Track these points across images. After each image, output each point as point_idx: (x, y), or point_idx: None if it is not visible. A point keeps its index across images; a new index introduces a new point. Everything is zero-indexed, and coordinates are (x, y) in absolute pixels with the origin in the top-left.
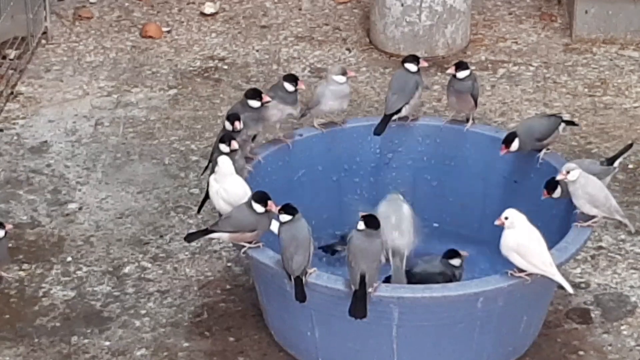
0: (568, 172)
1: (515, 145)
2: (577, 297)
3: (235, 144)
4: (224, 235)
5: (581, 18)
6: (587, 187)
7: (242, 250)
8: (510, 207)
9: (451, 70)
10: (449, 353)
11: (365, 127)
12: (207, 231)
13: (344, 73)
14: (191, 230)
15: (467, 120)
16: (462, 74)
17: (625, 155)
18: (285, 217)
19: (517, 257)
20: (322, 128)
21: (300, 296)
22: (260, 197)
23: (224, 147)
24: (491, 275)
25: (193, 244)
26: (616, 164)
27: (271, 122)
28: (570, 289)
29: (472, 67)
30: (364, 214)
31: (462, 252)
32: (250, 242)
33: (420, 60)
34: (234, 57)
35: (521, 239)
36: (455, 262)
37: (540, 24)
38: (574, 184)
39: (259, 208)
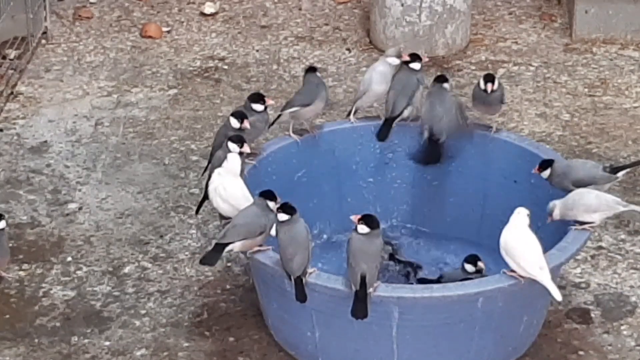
0: (551, 214)
1: (546, 173)
2: (577, 297)
3: (247, 148)
4: (236, 245)
5: (581, 18)
6: (574, 204)
7: (248, 252)
8: (510, 207)
9: (488, 87)
10: (449, 353)
11: (365, 127)
12: (218, 247)
13: (399, 55)
14: (191, 231)
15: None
16: (494, 87)
17: (632, 169)
18: (282, 217)
19: (507, 257)
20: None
21: (301, 296)
22: (272, 194)
23: (234, 147)
24: (491, 275)
25: (193, 244)
26: (620, 174)
27: (309, 120)
28: (558, 297)
29: (473, 68)
30: (358, 216)
31: (480, 263)
32: (259, 246)
33: (422, 56)
34: (234, 57)
35: (510, 239)
36: (469, 267)
37: (540, 24)
38: (562, 214)
39: (273, 205)
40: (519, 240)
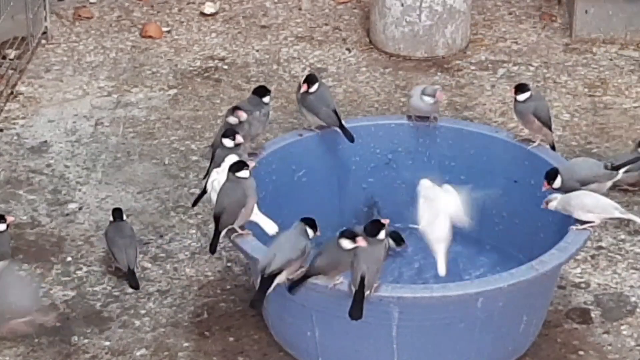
0: (548, 203)
1: (557, 182)
2: (577, 297)
3: (239, 138)
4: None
5: (581, 18)
6: (570, 200)
7: (232, 236)
8: (510, 207)
9: (512, 93)
10: (449, 353)
11: (365, 127)
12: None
13: (433, 95)
14: (191, 231)
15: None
16: (522, 97)
17: (632, 165)
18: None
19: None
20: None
21: (258, 297)
22: (239, 165)
23: (227, 142)
24: (491, 275)
25: (193, 244)
26: (621, 171)
27: None
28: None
29: (473, 68)
30: (374, 219)
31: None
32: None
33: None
34: (234, 57)
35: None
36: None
37: (540, 24)
38: (562, 207)
39: (243, 173)
40: None
